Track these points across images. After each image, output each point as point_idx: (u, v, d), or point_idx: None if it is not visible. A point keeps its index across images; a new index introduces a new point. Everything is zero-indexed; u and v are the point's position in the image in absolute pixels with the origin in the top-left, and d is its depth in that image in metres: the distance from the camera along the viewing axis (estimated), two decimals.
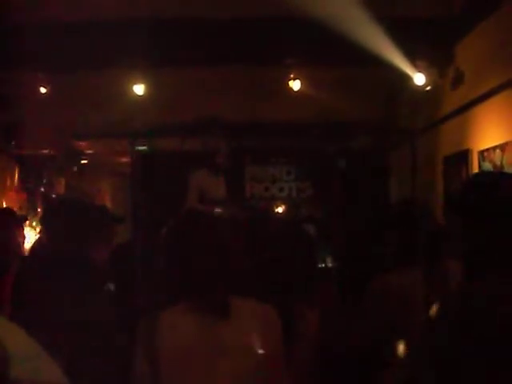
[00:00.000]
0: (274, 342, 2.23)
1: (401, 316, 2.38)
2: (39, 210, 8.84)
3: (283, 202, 9.74)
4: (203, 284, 2.20)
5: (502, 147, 5.73)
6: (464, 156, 6.63)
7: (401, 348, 2.54)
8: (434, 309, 2.12)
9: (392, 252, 3.04)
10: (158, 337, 2.15)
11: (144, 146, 9.31)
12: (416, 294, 2.38)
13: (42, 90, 7.72)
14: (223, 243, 2.29)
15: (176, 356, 2.12)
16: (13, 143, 8.92)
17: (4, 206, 8.09)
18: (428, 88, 7.35)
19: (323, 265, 7.62)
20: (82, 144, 9.88)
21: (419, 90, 7.38)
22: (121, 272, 3.49)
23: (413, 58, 6.95)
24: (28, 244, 5.96)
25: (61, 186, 9.89)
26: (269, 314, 2.28)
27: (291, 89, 7.74)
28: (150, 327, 2.18)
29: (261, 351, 2.17)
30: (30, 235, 7.02)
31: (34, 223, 7.74)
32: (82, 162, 10.11)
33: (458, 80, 6.86)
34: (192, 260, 2.22)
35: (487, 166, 6.02)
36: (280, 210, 9.58)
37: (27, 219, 6.72)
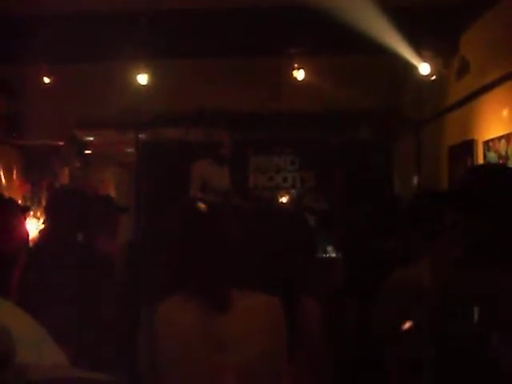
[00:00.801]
0: (277, 335, 2.20)
1: (415, 312, 2.35)
2: (43, 200, 8.84)
3: (287, 192, 9.74)
4: (203, 275, 2.17)
5: (507, 137, 5.70)
6: (469, 146, 6.60)
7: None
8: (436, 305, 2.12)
9: (411, 245, 3.02)
10: (157, 328, 2.13)
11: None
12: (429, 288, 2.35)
13: (46, 80, 7.71)
14: (225, 233, 2.27)
15: (174, 348, 2.10)
16: (16, 134, 8.92)
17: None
18: (433, 78, 7.31)
19: (325, 255, 7.63)
20: (86, 134, 9.86)
21: (424, 79, 7.35)
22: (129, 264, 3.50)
23: (418, 47, 6.92)
24: (32, 234, 5.97)
25: (64, 177, 9.88)
26: (272, 306, 2.24)
27: (295, 78, 7.72)
28: (150, 319, 2.16)
29: (262, 344, 2.14)
30: (34, 226, 7.03)
31: (38, 214, 7.74)
32: (86, 152, 10.09)
33: (463, 70, 6.83)
34: (193, 250, 2.20)
35: (492, 156, 5.99)
36: (284, 199, 9.58)
37: (30, 210, 6.72)
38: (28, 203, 8.17)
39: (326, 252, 7.71)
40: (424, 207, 3.00)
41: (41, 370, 0.92)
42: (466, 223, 2.07)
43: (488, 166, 3.87)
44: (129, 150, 9.88)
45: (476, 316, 1.94)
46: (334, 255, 7.24)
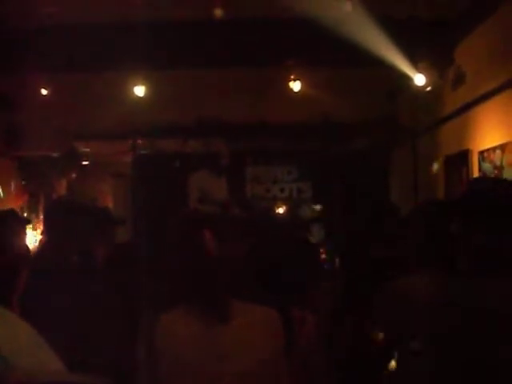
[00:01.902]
0: (276, 346, 2.22)
1: (416, 320, 2.36)
2: (41, 211, 8.86)
3: (284, 202, 9.76)
4: (204, 286, 2.19)
5: (502, 148, 5.74)
6: (464, 156, 6.64)
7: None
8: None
9: (411, 253, 3.02)
10: (158, 340, 2.14)
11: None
12: (430, 296, 2.36)
13: (43, 91, 7.73)
14: (224, 245, 2.28)
15: (176, 359, 2.12)
16: (14, 146, 8.94)
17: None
18: (428, 89, 7.35)
19: (326, 266, 7.63)
20: (83, 145, 9.89)
21: (420, 90, 7.38)
22: (119, 272, 3.50)
23: (413, 58, 6.96)
24: (31, 246, 5.98)
25: (62, 188, 9.91)
26: (270, 317, 2.26)
27: (292, 90, 7.75)
28: (151, 330, 2.18)
29: (261, 355, 2.16)
30: (33, 237, 7.05)
31: (36, 225, 7.76)
32: (83, 163, 10.12)
33: (459, 80, 6.87)
34: (192, 262, 2.22)
35: (487, 166, 6.03)
36: (281, 210, 9.60)
37: (30, 221, 6.73)
38: (26, 214, 8.18)
39: (332, 261, 7.71)
40: (427, 216, 3.01)
41: (39, 375, 0.94)
42: (466, 233, 2.14)
43: (485, 180, 3.92)
44: (126, 161, 9.91)
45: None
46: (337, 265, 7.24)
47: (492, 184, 2.34)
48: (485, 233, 2.09)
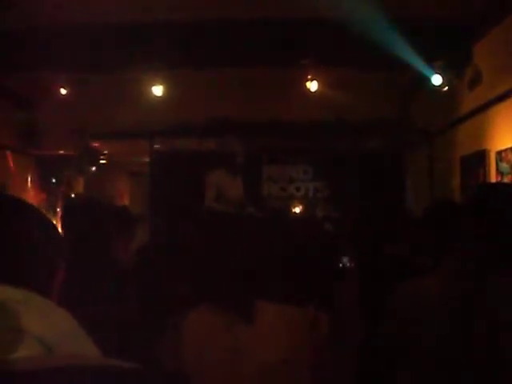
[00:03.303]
0: (299, 346, 2.22)
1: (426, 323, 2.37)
2: (58, 209, 8.94)
3: (300, 201, 9.77)
4: (228, 285, 2.20)
5: None
6: (481, 157, 6.62)
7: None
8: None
9: (426, 254, 3.03)
10: (182, 338, 2.16)
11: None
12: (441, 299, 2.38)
13: (62, 91, 7.81)
14: (246, 244, 2.29)
15: (200, 357, 2.13)
16: (32, 144, 9.04)
17: None
18: (445, 89, 7.34)
19: (341, 265, 7.63)
20: (101, 144, 9.97)
21: (436, 90, 7.38)
22: (144, 272, 3.53)
23: (430, 58, 6.96)
24: None
25: (79, 186, 9.99)
26: (294, 316, 2.27)
27: (308, 89, 7.77)
28: (175, 328, 2.19)
29: (284, 355, 2.17)
30: None
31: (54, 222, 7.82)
32: (101, 161, 10.20)
33: (476, 80, 6.85)
34: (216, 261, 2.23)
35: (504, 167, 6.01)
36: (297, 209, 9.60)
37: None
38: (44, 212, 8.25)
39: (341, 261, 7.71)
40: (441, 217, 3.01)
41: (77, 360, 0.99)
42: (476, 237, 2.15)
43: (497, 184, 3.94)
44: (143, 160, 9.97)
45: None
46: (349, 265, 7.25)
47: (503, 189, 2.36)
48: (496, 237, 2.11)
